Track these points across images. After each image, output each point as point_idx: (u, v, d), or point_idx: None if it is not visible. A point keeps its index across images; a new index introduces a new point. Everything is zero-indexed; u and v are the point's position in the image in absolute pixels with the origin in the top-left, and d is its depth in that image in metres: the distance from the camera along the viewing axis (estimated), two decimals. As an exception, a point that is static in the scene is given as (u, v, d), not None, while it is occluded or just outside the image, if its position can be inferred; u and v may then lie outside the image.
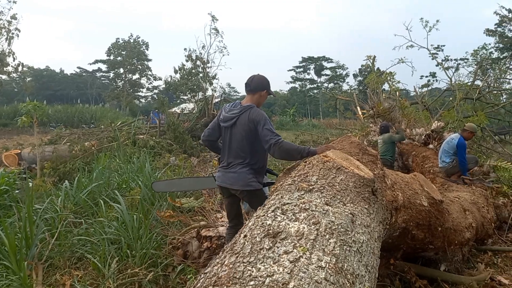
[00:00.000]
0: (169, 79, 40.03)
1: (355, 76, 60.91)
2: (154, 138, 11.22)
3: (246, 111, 3.20)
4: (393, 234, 3.26)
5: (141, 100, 57.13)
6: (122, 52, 53.14)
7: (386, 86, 11.63)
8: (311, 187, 2.16)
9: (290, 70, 69.68)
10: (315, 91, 66.35)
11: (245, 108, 3.23)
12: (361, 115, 10.01)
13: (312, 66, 67.12)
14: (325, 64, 66.12)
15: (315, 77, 67.71)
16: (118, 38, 54.37)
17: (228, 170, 3.25)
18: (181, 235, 4.07)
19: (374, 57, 13.04)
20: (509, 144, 14.27)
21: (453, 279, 4.04)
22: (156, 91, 54.75)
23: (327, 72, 66.63)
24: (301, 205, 1.95)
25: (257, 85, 3.32)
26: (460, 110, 9.24)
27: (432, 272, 4.11)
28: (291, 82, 70.16)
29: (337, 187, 2.27)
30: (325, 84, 66.15)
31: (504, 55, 48.57)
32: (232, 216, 3.46)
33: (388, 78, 10.94)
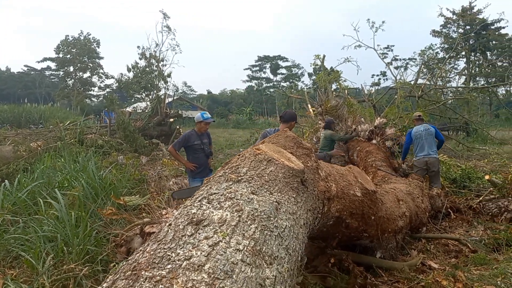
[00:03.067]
0: (121, 78, 39.12)
1: (310, 75, 62.20)
2: (103, 137, 10.97)
3: None
4: (328, 223, 3.43)
5: (93, 99, 55.32)
6: (72, 50, 51.18)
7: (337, 85, 12.02)
8: (239, 178, 2.26)
9: (246, 69, 70.07)
10: (272, 90, 67.08)
11: None
12: (312, 113, 10.30)
13: (268, 65, 67.79)
14: (280, 63, 67.03)
15: (271, 76, 68.48)
16: (68, 35, 52.41)
17: None
18: (125, 232, 4.07)
19: (324, 56, 13.43)
20: (450, 140, 15.20)
21: (387, 265, 4.31)
22: (108, 90, 53.30)
23: (283, 71, 67.57)
24: (227, 194, 2.04)
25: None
26: (401, 106, 9.77)
27: (368, 259, 4.36)
28: (247, 81, 70.56)
29: (266, 177, 2.39)
30: (281, 83, 67.06)
31: (449, 55, 51.39)
32: None
33: (336, 76, 11.32)
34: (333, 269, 3.88)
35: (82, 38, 51.02)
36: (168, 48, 32.24)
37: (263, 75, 69.14)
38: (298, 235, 2.23)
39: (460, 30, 49.92)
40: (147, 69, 36.73)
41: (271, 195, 2.22)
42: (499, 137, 18.59)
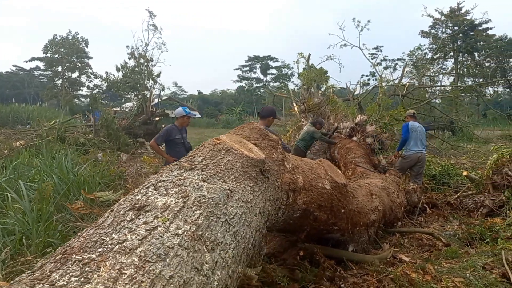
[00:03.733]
0: (111, 77, 38.85)
1: (300, 75, 62.14)
2: (86, 135, 10.89)
3: None
4: (294, 215, 3.44)
5: (82, 99, 54.73)
6: (61, 50, 50.65)
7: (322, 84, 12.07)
8: (193, 166, 2.25)
9: (236, 69, 70.02)
10: (262, 90, 67.06)
11: None
12: (295, 110, 10.33)
13: (258, 65, 67.80)
14: (270, 63, 67.06)
15: (261, 76, 68.49)
16: (56, 35, 51.87)
17: None
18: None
19: (309, 55, 13.48)
20: (435, 138, 15.34)
21: (358, 258, 4.33)
22: (98, 90, 52.83)
23: (273, 71, 67.61)
24: (176, 181, 2.03)
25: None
26: (382, 104, 9.84)
27: (339, 252, 4.38)
28: (237, 81, 70.48)
29: (222, 166, 2.38)
30: (271, 83, 67.10)
31: (437, 55, 51.86)
32: None
33: (320, 74, 11.36)
34: (302, 262, 3.89)
35: (70, 37, 50.63)
36: (154, 46, 32.05)
37: (253, 75, 69.17)
38: (251, 223, 2.23)
39: (448, 31, 50.31)
40: (136, 69, 36.60)
41: (224, 183, 2.21)
42: (484, 136, 18.80)
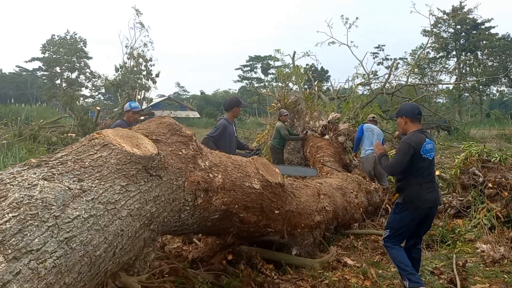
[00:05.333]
0: (109, 78, 38.77)
1: (277, 72, 61.48)
2: (59, 134, 10.72)
3: None
4: (212, 217, 3.19)
5: (86, 100, 54.51)
6: (60, 50, 50.65)
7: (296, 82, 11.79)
8: (42, 163, 2.01)
9: (237, 69, 69.69)
10: (263, 90, 66.63)
11: None
12: (272, 108, 10.06)
13: (259, 65, 67.48)
14: (271, 63, 66.64)
15: (262, 76, 68.15)
16: (54, 35, 51.86)
17: None
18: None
19: (294, 52, 13.22)
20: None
21: (298, 262, 4.08)
22: (102, 90, 52.74)
23: (274, 71, 67.23)
24: (5, 179, 1.79)
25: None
26: (356, 101, 9.57)
27: (279, 256, 4.13)
28: (238, 81, 70.18)
29: (87, 163, 2.14)
30: (272, 83, 66.72)
31: (440, 54, 51.27)
32: None
33: (297, 71, 11.10)
34: (236, 266, 3.64)
35: (68, 37, 50.60)
36: (141, 45, 31.91)
37: (254, 75, 68.85)
38: (108, 227, 1.99)
39: (451, 30, 49.70)
40: (135, 69, 36.49)
41: (76, 182, 1.97)
42: (479, 135, 18.40)
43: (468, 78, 40.29)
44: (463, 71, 48.40)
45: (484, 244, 4.56)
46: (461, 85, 36.02)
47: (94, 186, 2.04)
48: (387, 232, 3.56)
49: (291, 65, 12.18)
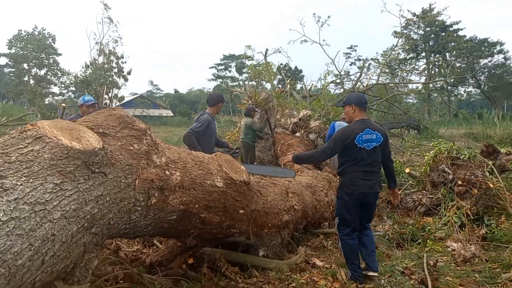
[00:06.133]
0: (79, 75, 37.72)
1: (248, 68, 61.38)
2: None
3: None
4: (169, 218, 2.94)
5: (55, 97, 52.38)
6: (28, 45, 48.71)
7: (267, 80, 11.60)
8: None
9: (211, 67, 69.12)
10: (237, 88, 66.15)
11: None
12: (243, 106, 9.83)
13: (233, 64, 67.10)
14: (246, 62, 66.43)
15: (237, 75, 67.79)
16: (21, 30, 49.84)
17: None
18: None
19: (267, 50, 12.98)
20: (396, 137, 15.13)
21: (264, 264, 3.86)
22: (72, 88, 50.93)
23: (248, 70, 66.98)
24: None
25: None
26: (327, 98, 9.48)
27: (244, 258, 3.92)
28: (212, 79, 69.61)
29: (14, 158, 1.87)
30: (246, 82, 66.48)
31: (410, 56, 52.31)
32: None
33: (267, 68, 10.92)
34: (190, 270, 3.39)
35: (36, 33, 48.77)
36: (109, 40, 31.09)
37: (229, 74, 68.44)
38: (36, 231, 1.72)
39: (421, 32, 50.78)
40: (106, 66, 35.51)
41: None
42: (448, 135, 18.76)
43: (436, 79, 41.19)
44: (432, 72, 49.55)
45: (455, 242, 4.49)
46: (430, 85, 36.77)
47: (19, 184, 1.76)
48: (337, 219, 3.79)
49: (264, 63, 11.93)
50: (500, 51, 44.84)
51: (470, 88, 53.59)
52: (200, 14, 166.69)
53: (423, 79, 46.37)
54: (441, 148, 5.86)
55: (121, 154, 2.52)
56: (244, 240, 3.87)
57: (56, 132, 2.14)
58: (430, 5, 48.00)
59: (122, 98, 37.18)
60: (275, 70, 11.18)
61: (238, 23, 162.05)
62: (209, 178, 3.27)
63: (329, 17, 14.27)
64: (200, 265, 3.56)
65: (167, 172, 2.89)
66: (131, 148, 2.65)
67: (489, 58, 45.92)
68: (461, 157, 5.79)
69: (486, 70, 46.19)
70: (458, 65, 49.58)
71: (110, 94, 35.18)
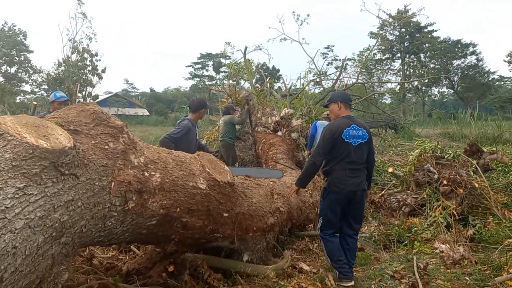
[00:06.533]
0: (51, 73, 36.64)
1: (228, 66, 61.12)
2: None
3: None
4: (148, 223, 2.70)
5: (27, 96, 50.44)
6: (-2, 42, 46.84)
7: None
8: None
9: (188, 66, 68.32)
10: (215, 87, 65.50)
11: None
12: (222, 104, 9.61)
13: (210, 63, 66.52)
14: (223, 61, 65.93)
15: (214, 74, 67.23)
16: (-11, 26, 47.91)
17: None
18: None
19: (246, 48, 12.78)
20: (375, 136, 15.18)
21: (250, 270, 3.65)
22: (45, 86, 49.20)
23: (226, 69, 66.51)
24: None
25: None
26: (308, 97, 9.37)
27: (229, 263, 3.70)
28: (189, 78, 68.85)
29: (-33, 158, 1.60)
30: (224, 81, 66.03)
31: (386, 56, 53.12)
32: None
33: (248, 65, 10.73)
34: (170, 279, 3.16)
35: (6, 29, 46.91)
36: (83, 36, 30.32)
37: (206, 73, 67.82)
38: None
39: (396, 33, 51.58)
40: (80, 63, 34.55)
41: None
42: (424, 134, 19.01)
43: (412, 79, 41.94)
44: (407, 72, 50.42)
45: (443, 244, 4.39)
46: (406, 85, 37.35)
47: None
48: (321, 220, 3.66)
49: (243, 61, 11.72)
50: (473, 53, 46.01)
51: (444, 89, 54.82)
52: (183, 13, 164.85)
53: (398, 80, 47.08)
54: (426, 147, 5.79)
55: (95, 154, 2.27)
56: (228, 245, 3.66)
57: (20, 129, 1.88)
58: (405, 6, 48.80)
59: (97, 96, 36.35)
60: (254, 68, 10.93)
61: (235, 22, 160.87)
62: (192, 179, 3.05)
63: (308, 15, 14.15)
64: (181, 272, 3.33)
65: (146, 174, 2.65)
66: (106, 147, 2.40)
67: (462, 59, 47.05)
68: (446, 157, 5.73)
69: (459, 71, 47.29)
70: (432, 65, 50.62)
71: (84, 93, 34.29)
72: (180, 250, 3.41)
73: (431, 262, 4.06)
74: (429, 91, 53.24)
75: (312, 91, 9.93)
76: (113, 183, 2.33)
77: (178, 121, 5.35)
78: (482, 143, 15.50)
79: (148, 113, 50.19)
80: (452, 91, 52.24)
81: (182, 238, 3.12)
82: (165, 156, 3.01)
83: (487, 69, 46.63)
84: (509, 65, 47.83)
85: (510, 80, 51.94)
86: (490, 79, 47.99)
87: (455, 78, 48.41)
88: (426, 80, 44.97)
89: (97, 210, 2.17)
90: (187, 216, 2.99)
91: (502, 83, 51.76)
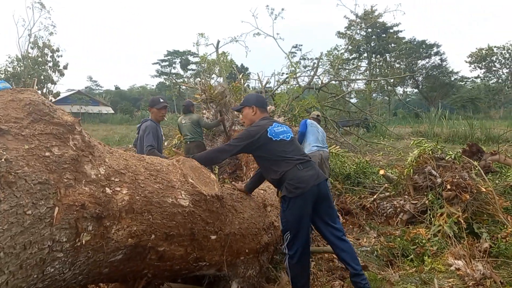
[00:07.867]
0: (7, 68, 34.46)
1: (201, 59, 60.08)
2: None
3: None
4: (112, 259, 1.94)
5: None
6: None
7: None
8: None
9: (155, 63, 66.49)
10: (184, 86, 64.10)
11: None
12: (197, 101, 8.81)
13: (177, 60, 64.98)
14: (191, 58, 64.52)
15: (181, 72, 65.70)
16: None
17: None
18: None
19: (218, 41, 12.02)
20: (350, 135, 14.81)
21: (241, 304, 2.94)
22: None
23: (194, 66, 65.16)
24: None
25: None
26: (290, 93, 8.75)
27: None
28: (156, 76, 66.99)
29: None
30: (191, 79, 64.59)
31: (353, 56, 53.55)
32: None
33: (224, 59, 9.99)
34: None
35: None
36: (41, 28, 28.57)
37: (173, 71, 66.19)
38: None
39: (363, 33, 52.10)
40: (40, 59, 32.54)
41: None
42: (396, 132, 18.92)
43: (378, 78, 42.45)
44: (374, 72, 51.03)
45: (456, 259, 3.83)
46: (372, 85, 37.60)
47: None
48: (288, 235, 2.97)
49: (216, 56, 10.95)
50: (437, 53, 47.02)
51: (409, 88, 55.90)
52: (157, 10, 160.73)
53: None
54: (425, 148, 5.25)
55: (29, 165, 1.50)
56: (214, 272, 2.93)
57: None
58: (371, 6, 49.30)
59: (58, 94, 34.54)
60: (229, 60, 10.18)
61: (205, 19, 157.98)
62: (171, 194, 2.31)
63: (283, 9, 13.53)
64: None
65: (108, 190, 1.89)
66: (48, 154, 1.63)
67: (427, 60, 48.04)
68: (446, 158, 5.22)
69: (424, 71, 48.27)
70: (397, 65, 51.45)
71: (44, 90, 32.35)
72: (152, 282, 2.67)
73: (448, 283, 3.49)
74: (394, 90, 54.17)
75: (293, 87, 9.25)
76: (57, 208, 1.56)
77: (138, 125, 4.74)
78: (455, 142, 15.52)
79: (113, 111, 48.26)
80: (417, 90, 53.29)
81: (157, 272, 2.37)
82: (134, 163, 2.25)
83: (450, 69, 47.83)
84: (470, 66, 49.35)
85: (470, 80, 53.48)
86: (453, 79, 49.26)
87: (420, 78, 49.38)
88: (392, 80, 45.57)
89: (30, 255, 1.40)
90: (164, 244, 2.24)
91: (463, 83, 53.20)
